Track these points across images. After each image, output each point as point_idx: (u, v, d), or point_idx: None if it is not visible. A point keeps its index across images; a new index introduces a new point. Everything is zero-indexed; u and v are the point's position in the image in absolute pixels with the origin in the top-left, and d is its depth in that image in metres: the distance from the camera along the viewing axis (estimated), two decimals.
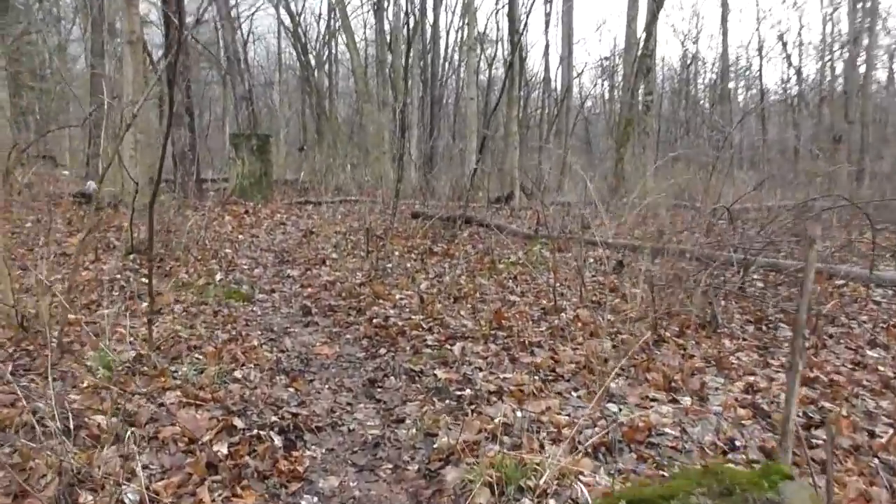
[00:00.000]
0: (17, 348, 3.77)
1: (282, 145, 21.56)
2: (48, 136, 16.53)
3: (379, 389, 3.41)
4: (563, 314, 4.74)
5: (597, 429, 2.80)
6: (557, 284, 5.49)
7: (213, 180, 13.40)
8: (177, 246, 6.72)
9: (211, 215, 9.37)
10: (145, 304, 4.84)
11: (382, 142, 17.85)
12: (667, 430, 2.90)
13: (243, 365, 3.59)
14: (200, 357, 3.70)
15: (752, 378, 3.65)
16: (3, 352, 3.64)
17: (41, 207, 9.30)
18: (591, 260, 7.13)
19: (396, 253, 6.94)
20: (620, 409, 3.10)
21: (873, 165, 19.85)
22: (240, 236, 7.98)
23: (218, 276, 5.86)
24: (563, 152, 24.12)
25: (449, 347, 3.90)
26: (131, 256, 6.37)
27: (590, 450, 2.60)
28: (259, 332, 4.32)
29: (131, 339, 3.99)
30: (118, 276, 5.70)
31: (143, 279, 5.55)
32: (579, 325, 4.46)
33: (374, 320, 4.57)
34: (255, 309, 5.04)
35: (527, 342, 3.98)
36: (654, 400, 3.24)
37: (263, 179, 11.54)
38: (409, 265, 6.37)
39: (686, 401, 3.25)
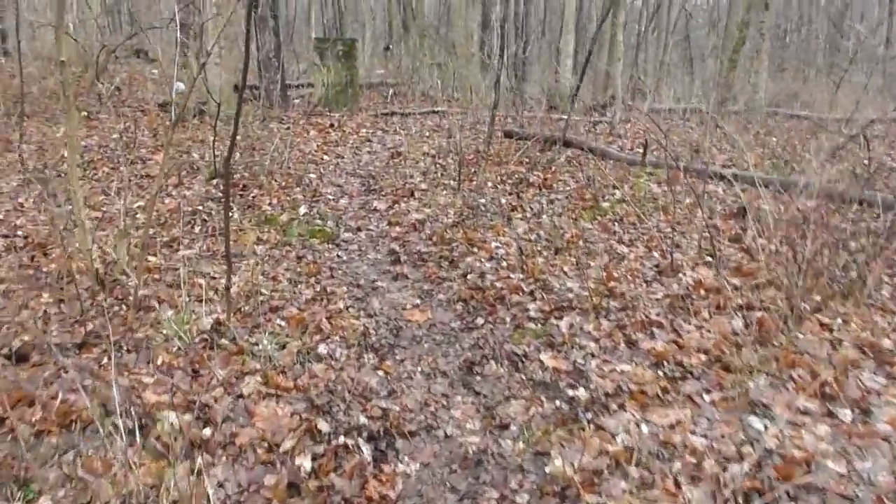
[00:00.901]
0: (94, 302, 3.56)
1: (367, 44, 20.81)
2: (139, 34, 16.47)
3: (478, 377, 3.01)
4: (681, 275, 4.17)
5: (744, 463, 2.32)
6: (671, 233, 4.88)
7: (299, 86, 12.99)
8: (260, 170, 6.42)
9: (296, 129, 9.03)
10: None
11: (471, 41, 16.89)
12: (829, 462, 2.39)
13: (328, 337, 3.26)
14: (282, 324, 3.40)
15: None
16: (77, 308, 3.44)
17: (129, 115, 9.21)
18: (706, 196, 6.40)
19: (489, 183, 6.41)
20: (766, 427, 2.60)
21: None
22: (324, 157, 7.61)
23: (302, 210, 5.53)
24: (662, 53, 22.39)
25: (555, 322, 3.44)
26: (215, 181, 6.11)
27: (740, 499, 2.14)
28: (345, 289, 3.97)
29: (212, 293, 3.73)
30: (200, 206, 5.45)
31: None
32: (702, 291, 3.89)
33: (469, 276, 4.14)
34: (340, 254, 4.69)
35: (643, 318, 3.47)
36: (805, 413, 2.71)
37: (349, 88, 11.04)
38: (503, 200, 5.85)
39: (846, 414, 2.71)
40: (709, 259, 4.52)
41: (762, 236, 5.03)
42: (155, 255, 4.36)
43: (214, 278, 3.97)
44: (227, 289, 3.16)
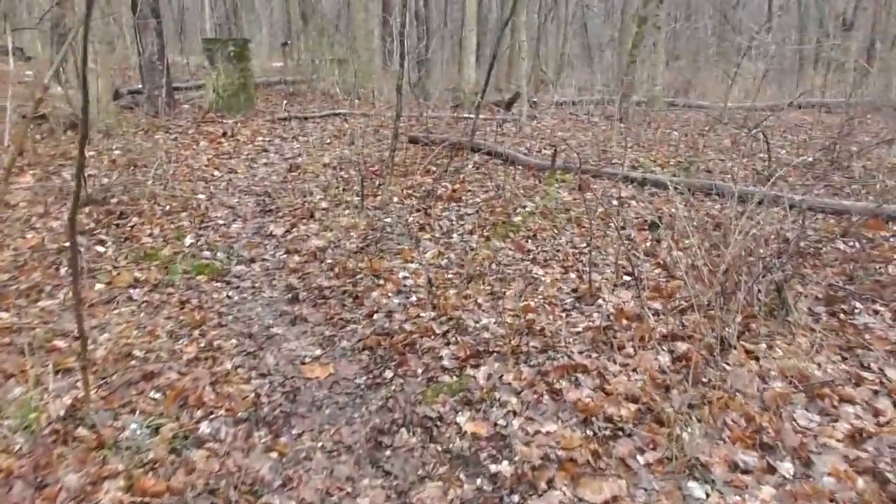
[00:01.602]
0: None
1: (264, 40, 19.91)
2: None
3: (388, 451, 2.64)
4: (600, 301, 3.94)
5: None
6: (587, 248, 4.67)
7: (189, 88, 12.15)
8: (140, 193, 5.78)
9: (184, 140, 8.34)
10: (98, 285, 4.03)
11: (372, 36, 16.40)
12: None
13: (212, 412, 2.80)
14: (157, 396, 2.91)
15: (851, 410, 2.92)
16: None
17: None
18: (615, 201, 6.26)
19: (395, 199, 6.03)
20: (707, 495, 2.36)
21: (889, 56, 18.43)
22: (215, 172, 7.00)
23: (188, 240, 4.98)
24: (563, 44, 22.60)
25: (472, 373, 3.11)
26: (87, 209, 5.44)
27: None
28: (234, 342, 3.50)
29: (74, 358, 3.19)
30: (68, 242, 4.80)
31: (99, 246, 4.71)
32: (623, 321, 3.66)
33: (376, 316, 3.76)
34: (230, 293, 4.20)
35: (566, 361, 3.19)
36: (745, 471, 2.49)
37: (243, 92, 10.36)
38: (410, 218, 5.48)
39: (787, 469, 2.51)
40: (627, 278, 4.32)
41: (677, 247, 4.90)
42: (7, 309, 3.74)
43: (78, 338, 3.41)
44: (84, 367, 2.65)
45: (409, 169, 7.04)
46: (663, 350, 3.31)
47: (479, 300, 3.95)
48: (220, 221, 5.51)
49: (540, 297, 4.01)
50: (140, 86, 10.30)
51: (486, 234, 5.17)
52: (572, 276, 4.40)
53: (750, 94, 14.46)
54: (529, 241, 5.08)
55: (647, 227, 5.22)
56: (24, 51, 15.20)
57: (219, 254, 4.81)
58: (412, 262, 4.56)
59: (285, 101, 12.70)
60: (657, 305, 3.83)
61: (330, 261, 4.62)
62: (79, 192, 2.42)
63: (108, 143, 7.91)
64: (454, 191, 6.32)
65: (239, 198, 6.23)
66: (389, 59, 16.81)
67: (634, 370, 3.16)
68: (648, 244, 4.97)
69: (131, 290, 4.11)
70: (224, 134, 8.73)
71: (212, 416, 2.77)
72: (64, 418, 2.63)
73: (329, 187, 6.34)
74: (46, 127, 8.27)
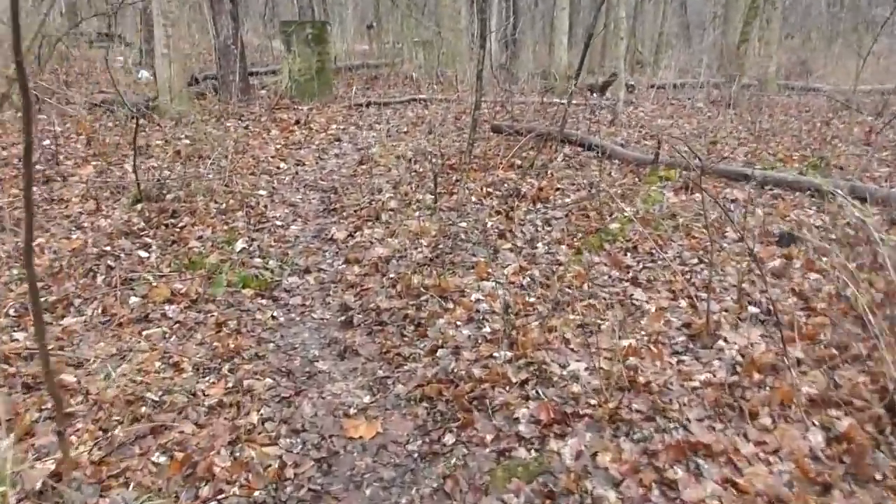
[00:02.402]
0: None
1: (350, 23, 19.51)
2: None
3: None
4: (721, 342, 3.12)
5: None
6: (699, 266, 3.85)
7: (269, 72, 11.82)
8: (197, 188, 5.34)
9: (255, 128, 7.93)
10: (134, 298, 3.55)
11: (458, 16, 15.68)
12: None
13: (221, 492, 2.21)
14: (161, 461, 2.35)
15: None
16: None
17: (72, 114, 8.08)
18: (731, 205, 5.34)
19: (473, 198, 5.34)
20: None
21: None
22: (281, 164, 6.51)
23: (239, 245, 4.46)
24: (661, 22, 21.12)
25: (555, 446, 2.40)
26: (139, 206, 5.04)
27: None
28: (268, 382, 2.92)
29: (80, 399, 2.69)
30: (110, 245, 4.37)
31: (142, 251, 4.26)
32: (754, 374, 2.84)
33: (440, 353, 3.09)
34: (276, 314, 3.63)
35: (681, 438, 2.42)
36: None
37: (320, 76, 9.88)
38: (489, 223, 4.78)
39: None
40: (753, 309, 3.48)
41: (814, 269, 3.99)
42: (25, 328, 3.30)
43: (91, 374, 2.92)
44: (60, 433, 2.11)
45: (491, 162, 6.32)
46: (813, 424, 2.49)
47: (567, 335, 3.22)
48: (279, 222, 4.98)
49: (643, 333, 3.23)
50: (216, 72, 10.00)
51: (576, 244, 4.41)
52: (682, 303, 3.59)
53: (880, 75, 12.90)
54: (628, 254, 4.28)
55: (777, 241, 4.31)
56: (123, 37, 15.36)
57: (271, 262, 4.27)
58: (488, 279, 3.86)
59: (366, 86, 12.21)
60: (798, 352, 2.99)
61: (393, 275, 3.98)
62: (31, 215, 1.85)
63: (178, 131, 7.58)
64: (541, 189, 5.56)
65: (303, 194, 5.70)
66: (477, 40, 16.07)
67: (775, 453, 2.36)
68: (777, 262, 4.08)
69: (167, 307, 3.61)
70: (297, 122, 8.27)
71: (221, 496, 2.18)
72: (40, 493, 2.11)
73: (401, 183, 5.71)
74: (122, 114, 8.01)
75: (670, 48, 20.64)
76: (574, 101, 8.97)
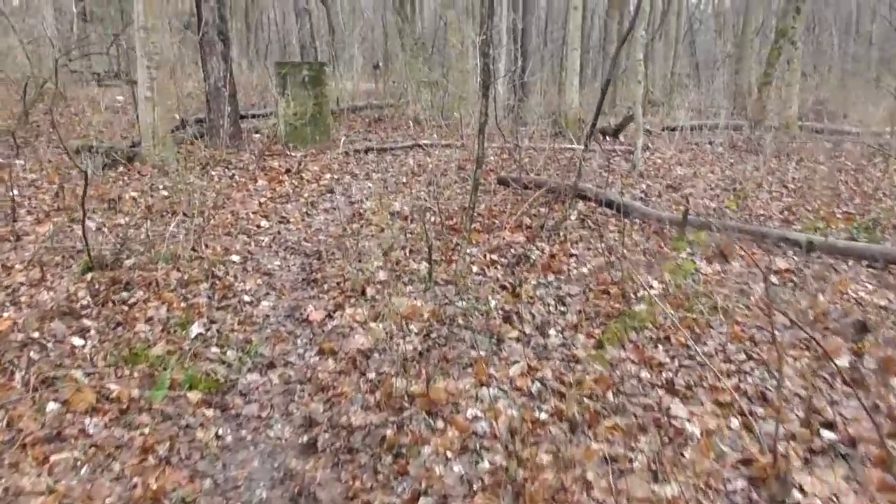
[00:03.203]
0: None
1: (356, 62, 19.12)
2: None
3: None
4: (794, 491, 2.37)
5: None
6: (748, 364, 3.11)
7: (264, 115, 11.28)
8: (158, 253, 4.66)
9: (242, 178, 7.30)
10: (51, 405, 2.84)
11: (466, 56, 15.22)
12: None
13: None
14: None
15: None
16: None
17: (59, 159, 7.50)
18: (776, 276, 4.61)
19: (474, 267, 4.64)
20: None
21: None
22: (262, 222, 5.83)
23: (195, 329, 3.76)
24: (672, 62, 20.64)
25: None
26: (89, 276, 4.35)
27: None
28: None
29: None
30: (39, 331, 3.67)
31: (77, 337, 3.57)
32: None
33: (422, 502, 2.35)
34: (222, 431, 2.90)
35: None
36: None
37: (316, 121, 9.29)
38: (493, 301, 4.07)
39: None
40: (828, 435, 2.73)
41: (891, 369, 3.25)
42: None
43: None
44: None
45: (496, 222, 5.64)
46: None
47: (589, 474, 2.47)
48: (248, 297, 4.28)
49: (689, 472, 2.49)
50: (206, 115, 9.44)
51: (596, 332, 3.68)
52: (734, 422, 2.85)
53: None
54: (660, 347, 3.55)
55: (853, 333, 3.55)
56: (129, 75, 14.93)
57: (229, 352, 3.56)
58: (488, 383, 3.13)
59: (368, 129, 11.65)
60: None
61: (373, 374, 3.26)
62: None
63: (158, 180, 6.96)
64: (552, 256, 4.86)
65: (282, 259, 5.01)
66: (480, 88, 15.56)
67: None
68: (846, 359, 3.33)
69: (88, 420, 2.90)
70: (287, 171, 7.64)
71: None
72: None
73: (393, 248, 5.02)
74: (98, 161, 7.41)
75: (682, 88, 20.12)
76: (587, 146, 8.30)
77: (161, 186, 6.72)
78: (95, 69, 15.11)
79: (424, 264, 4.58)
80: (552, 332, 3.72)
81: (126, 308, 3.97)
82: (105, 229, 5.26)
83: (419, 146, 9.59)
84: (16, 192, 5.91)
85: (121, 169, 7.49)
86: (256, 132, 10.02)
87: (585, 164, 7.51)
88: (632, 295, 4.14)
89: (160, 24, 7.66)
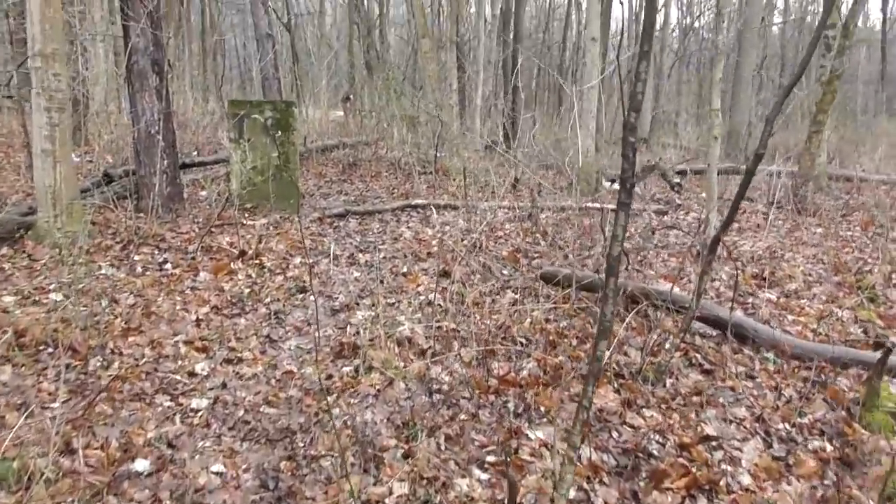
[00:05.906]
0: None
1: (323, 93, 17.12)
2: None
3: None
4: None
5: None
6: None
7: (221, 161, 9.19)
8: (10, 452, 2.54)
9: (176, 266, 5.22)
10: None
11: (449, 90, 13.41)
12: None
13: None
14: None
15: None
16: None
17: None
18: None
19: (569, 486, 2.64)
20: None
21: None
22: (199, 364, 3.73)
23: None
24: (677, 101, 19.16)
25: None
26: None
27: None
28: None
29: None
30: None
31: None
32: None
33: None
34: None
35: None
36: None
37: (282, 175, 7.24)
38: None
39: None
40: None
41: None
42: None
43: None
44: None
45: (561, 362, 3.64)
46: None
47: None
48: None
49: None
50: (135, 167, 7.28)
51: None
52: None
53: None
54: None
55: None
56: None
57: None
58: None
59: (342, 176, 9.65)
60: None
61: None
62: None
63: (54, 273, 4.85)
64: (683, 447, 2.89)
65: (226, 458, 2.92)
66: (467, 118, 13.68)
67: None
68: None
69: None
70: (242, 254, 5.55)
71: None
72: None
73: (415, 436, 2.98)
74: None
75: (669, 125, 18.62)
76: (593, 204, 6.38)
77: (52, 285, 4.60)
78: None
79: (480, 472, 2.58)
80: None
81: None
82: None
83: (411, 207, 7.61)
84: None
85: (3, 250, 5.34)
86: (203, 188, 7.91)
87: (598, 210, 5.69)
88: None
89: (62, 50, 5.56)
